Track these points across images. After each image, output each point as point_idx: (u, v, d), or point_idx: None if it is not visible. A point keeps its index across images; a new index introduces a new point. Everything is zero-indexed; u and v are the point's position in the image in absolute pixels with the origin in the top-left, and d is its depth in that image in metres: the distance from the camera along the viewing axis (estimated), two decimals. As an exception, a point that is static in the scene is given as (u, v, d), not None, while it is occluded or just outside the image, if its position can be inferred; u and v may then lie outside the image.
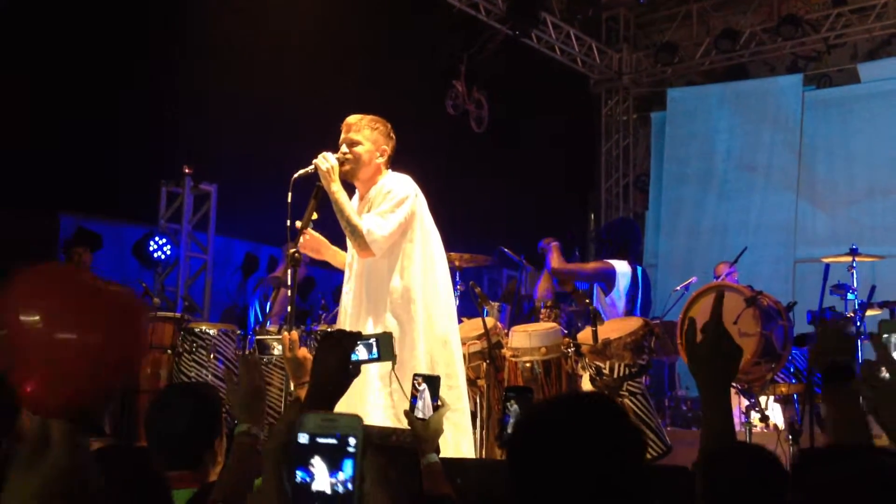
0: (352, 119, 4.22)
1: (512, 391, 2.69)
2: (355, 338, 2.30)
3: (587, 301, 5.05)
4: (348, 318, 4.19)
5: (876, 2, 10.59)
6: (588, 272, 6.58)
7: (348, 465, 0.96)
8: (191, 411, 2.57)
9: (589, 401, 1.78)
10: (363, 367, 2.39)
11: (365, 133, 4.16)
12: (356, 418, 0.99)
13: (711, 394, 1.93)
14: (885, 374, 1.53)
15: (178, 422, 2.53)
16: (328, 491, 0.95)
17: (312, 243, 4.23)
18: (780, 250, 10.68)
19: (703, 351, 1.95)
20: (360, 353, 2.36)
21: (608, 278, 6.35)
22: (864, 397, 1.59)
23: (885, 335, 1.63)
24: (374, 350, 2.38)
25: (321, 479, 0.95)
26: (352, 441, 0.97)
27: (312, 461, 0.96)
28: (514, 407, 2.56)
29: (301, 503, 0.96)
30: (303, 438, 0.97)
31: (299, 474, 0.96)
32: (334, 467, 0.96)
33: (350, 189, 4.25)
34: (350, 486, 0.95)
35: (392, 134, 4.27)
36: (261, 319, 7.13)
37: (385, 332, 2.48)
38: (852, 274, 6.57)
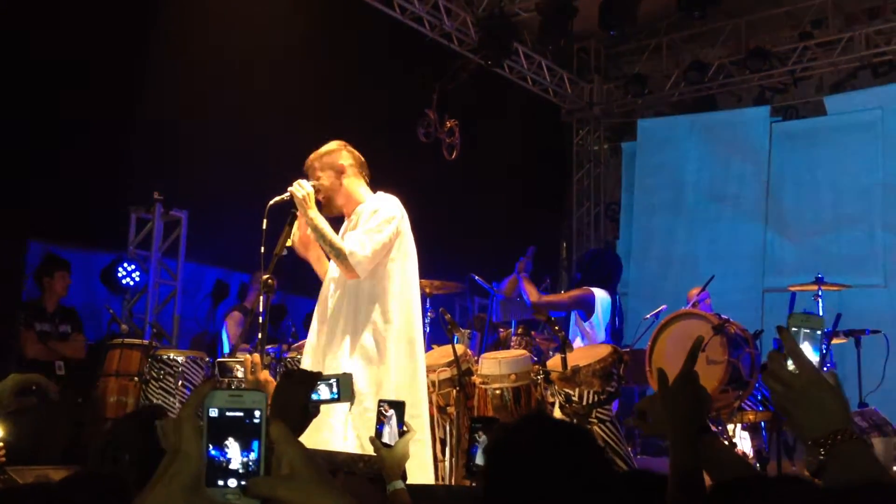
0: (306, 164, 4.25)
1: (479, 422, 2.71)
2: (316, 378, 2.32)
3: (556, 328, 5.06)
4: (324, 338, 4.15)
5: (841, 36, 10.81)
6: (566, 302, 6.62)
7: (256, 446, 1.07)
8: (140, 442, 2.51)
9: (556, 426, 1.81)
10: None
11: (318, 173, 4.19)
12: (261, 394, 1.09)
13: (680, 436, 1.95)
14: (792, 367, 1.51)
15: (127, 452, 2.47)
16: (241, 470, 1.06)
17: (304, 238, 4.21)
18: (749, 279, 10.78)
19: (672, 393, 1.98)
20: (322, 392, 2.39)
21: (587, 304, 6.39)
22: (770, 390, 1.54)
23: (794, 328, 1.63)
24: (335, 390, 2.42)
25: (235, 458, 1.06)
26: (257, 413, 1.07)
27: (227, 442, 1.06)
28: (481, 437, 2.56)
29: (214, 477, 1.05)
30: (213, 413, 1.07)
31: (215, 453, 1.06)
32: (246, 447, 1.06)
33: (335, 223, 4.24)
34: (257, 465, 1.06)
35: (348, 148, 4.28)
36: (230, 346, 7.08)
37: (345, 374, 2.52)
38: (818, 302, 6.65)
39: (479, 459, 2.51)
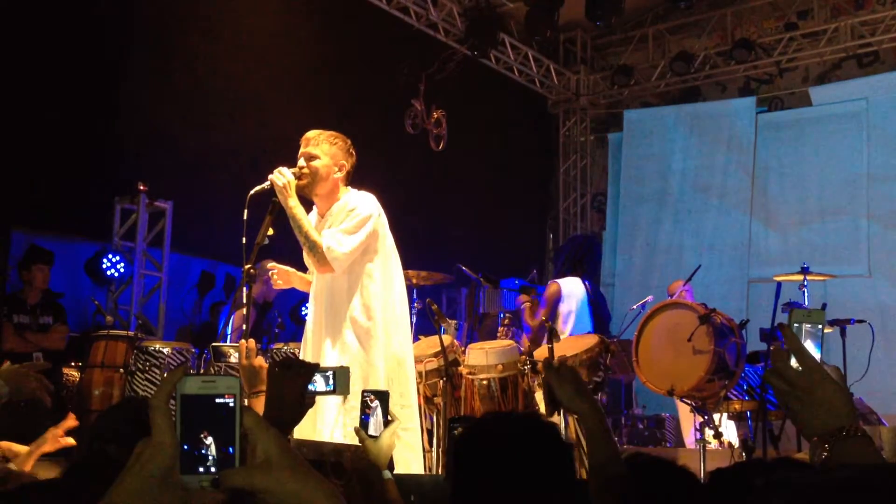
0: (311, 134, 4.21)
1: (456, 421, 2.71)
2: (314, 369, 2.30)
3: (543, 318, 5.07)
4: (310, 336, 4.19)
5: (827, 27, 10.84)
6: (549, 307, 6.65)
7: (230, 432, 1.04)
8: (133, 433, 2.49)
9: (524, 421, 1.86)
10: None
11: (323, 147, 4.16)
12: (235, 379, 1.07)
13: (590, 425, 2.16)
14: (795, 364, 1.49)
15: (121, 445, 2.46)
16: (216, 456, 1.04)
17: (282, 276, 4.24)
18: (734, 270, 10.82)
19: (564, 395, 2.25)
20: (318, 384, 2.37)
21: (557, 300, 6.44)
22: (774, 389, 1.51)
23: (796, 324, 1.61)
24: (331, 382, 2.40)
25: (209, 445, 1.04)
26: (231, 400, 1.05)
27: (204, 437, 1.04)
28: None
29: (188, 465, 1.03)
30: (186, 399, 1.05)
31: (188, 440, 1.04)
32: (224, 444, 1.04)
33: (307, 205, 4.24)
34: (232, 452, 1.04)
35: (352, 150, 4.27)
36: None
37: (343, 367, 2.50)
38: (804, 292, 6.67)
39: None
